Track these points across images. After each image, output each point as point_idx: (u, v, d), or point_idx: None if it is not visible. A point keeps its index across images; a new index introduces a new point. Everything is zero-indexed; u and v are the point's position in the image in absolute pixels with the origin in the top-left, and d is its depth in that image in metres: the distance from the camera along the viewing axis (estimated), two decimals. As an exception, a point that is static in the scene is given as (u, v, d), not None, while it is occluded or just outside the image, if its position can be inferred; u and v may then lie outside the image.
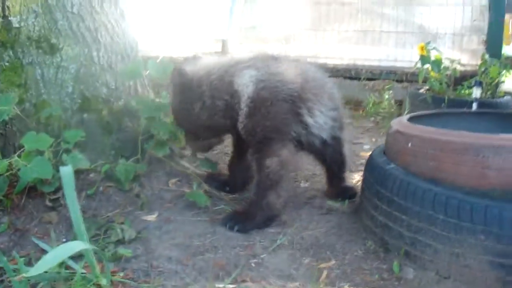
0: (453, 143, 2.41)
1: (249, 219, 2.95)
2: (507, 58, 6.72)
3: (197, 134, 3.26)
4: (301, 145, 3.14)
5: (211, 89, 3.07)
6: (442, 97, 5.35)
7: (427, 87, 5.89)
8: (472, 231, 2.24)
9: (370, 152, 3.14)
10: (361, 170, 3.31)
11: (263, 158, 2.98)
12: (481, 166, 2.33)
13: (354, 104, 6.77)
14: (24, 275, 1.91)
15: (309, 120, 3.06)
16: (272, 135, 2.99)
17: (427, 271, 2.42)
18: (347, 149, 3.42)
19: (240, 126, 3.05)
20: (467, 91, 5.76)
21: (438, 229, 2.34)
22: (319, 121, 3.10)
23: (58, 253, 1.91)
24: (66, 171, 2.17)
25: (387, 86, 6.86)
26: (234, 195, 3.36)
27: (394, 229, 2.52)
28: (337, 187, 3.40)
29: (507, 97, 5.69)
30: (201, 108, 3.10)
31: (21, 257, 2.32)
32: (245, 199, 3.27)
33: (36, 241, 2.54)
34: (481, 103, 5.08)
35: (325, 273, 2.45)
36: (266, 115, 2.98)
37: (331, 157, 3.34)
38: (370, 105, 6.60)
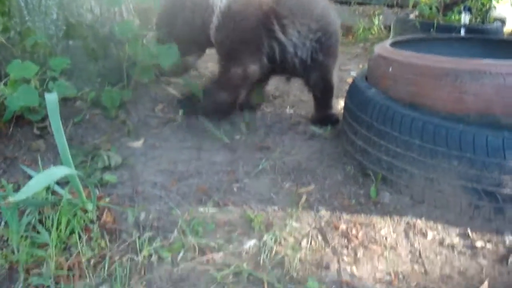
0: (432, 68, 2.43)
1: (197, 107, 3.22)
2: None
3: (181, 48, 3.27)
4: (278, 63, 3.20)
5: (192, 4, 3.14)
6: (431, 23, 5.32)
7: (417, 13, 5.84)
8: (447, 156, 2.29)
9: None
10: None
11: (229, 66, 3.16)
12: (458, 91, 2.35)
13: (344, 30, 6.72)
14: (10, 199, 1.95)
15: (281, 37, 3.11)
16: (240, 47, 3.11)
17: (403, 196, 2.50)
18: (335, 77, 3.43)
19: (212, 39, 3.18)
20: (457, 17, 5.73)
21: (415, 154, 2.38)
22: (294, 40, 3.13)
23: (43, 177, 1.95)
24: (51, 98, 2.18)
25: (377, 11, 6.79)
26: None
27: (372, 154, 2.58)
28: (321, 113, 3.44)
29: (497, 23, 5.66)
30: (184, 23, 3.13)
31: (8, 184, 2.37)
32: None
33: (24, 169, 2.57)
34: (470, 29, 5.05)
35: (304, 197, 2.51)
36: (235, 28, 3.10)
37: (315, 82, 3.36)
38: (360, 31, 6.56)
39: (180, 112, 3.22)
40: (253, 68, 3.14)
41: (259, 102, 3.63)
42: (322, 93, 3.44)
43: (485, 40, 3.66)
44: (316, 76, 3.33)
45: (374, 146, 2.56)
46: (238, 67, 3.13)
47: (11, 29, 3.06)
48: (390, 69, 2.61)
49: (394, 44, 2.95)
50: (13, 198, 1.95)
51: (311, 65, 3.25)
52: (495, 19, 5.95)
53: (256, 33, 3.10)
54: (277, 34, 3.10)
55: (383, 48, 2.82)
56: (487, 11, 5.91)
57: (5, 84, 2.77)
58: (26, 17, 3.09)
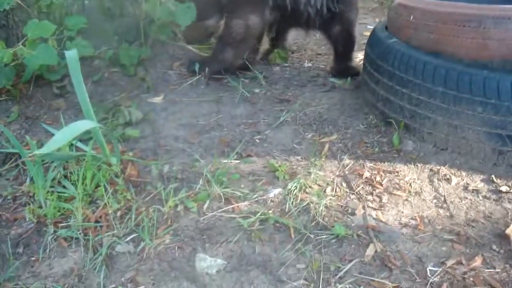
0: (454, 14, 2.39)
1: (205, 65, 3.20)
2: None
3: (198, 12, 3.23)
4: (289, 13, 3.17)
5: None
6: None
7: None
8: (470, 103, 2.28)
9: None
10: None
11: (230, 19, 3.15)
12: (482, 37, 2.32)
13: (360, -16, 6.62)
14: (36, 152, 1.97)
15: None
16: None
17: (426, 143, 2.49)
18: (355, 30, 3.40)
19: None
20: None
21: (438, 102, 2.37)
22: None
23: (68, 131, 1.96)
24: (72, 55, 2.17)
25: (393, -36, 6.65)
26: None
27: (394, 103, 2.56)
28: (341, 65, 3.41)
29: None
30: None
31: (32, 142, 2.39)
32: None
33: (46, 127, 2.61)
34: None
35: (327, 146, 2.52)
36: None
37: (336, 35, 3.35)
38: (375, -16, 6.45)
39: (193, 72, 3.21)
40: (254, 20, 3.13)
41: (280, 62, 3.60)
42: (345, 46, 3.41)
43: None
44: (338, 29, 3.31)
45: (396, 94, 2.54)
46: (239, 19, 3.12)
47: (26, -11, 3.05)
48: (411, 17, 2.58)
49: (414, -8, 2.91)
50: (38, 152, 1.97)
51: (330, 16, 3.20)
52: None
53: None
54: None
55: (404, -4, 2.78)
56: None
57: (23, 45, 2.76)
58: (40, -22, 3.06)
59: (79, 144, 2.36)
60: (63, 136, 1.93)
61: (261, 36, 3.47)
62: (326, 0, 3.16)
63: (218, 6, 3.22)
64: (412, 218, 2.06)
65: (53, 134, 2.51)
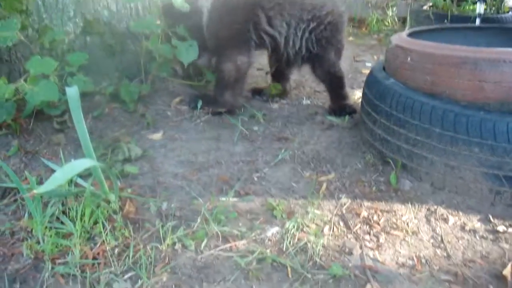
0: (450, 57, 2.43)
1: (206, 104, 3.30)
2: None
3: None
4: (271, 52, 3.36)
5: (192, 8, 3.19)
6: (445, 13, 5.32)
7: (430, 4, 5.83)
8: (467, 144, 2.30)
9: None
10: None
11: (220, 63, 3.26)
12: (478, 80, 2.36)
13: (358, 22, 6.72)
14: (35, 191, 1.97)
15: (268, 29, 3.18)
16: (227, 42, 3.21)
17: (423, 183, 2.51)
18: (343, 67, 3.45)
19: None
20: (471, 7, 5.72)
21: (435, 142, 2.40)
22: (283, 31, 3.20)
23: (68, 170, 1.97)
24: (72, 92, 2.19)
25: (390, 3, 6.77)
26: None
27: (392, 143, 2.59)
28: (336, 103, 3.46)
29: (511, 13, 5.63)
30: (191, 25, 3.23)
31: (32, 177, 2.40)
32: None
33: (46, 162, 2.61)
34: (485, 19, 5.04)
35: (324, 185, 2.53)
36: (220, 25, 3.20)
37: (320, 75, 3.44)
38: (374, 23, 6.55)
39: (195, 108, 3.27)
40: (242, 60, 3.24)
41: (275, 93, 3.65)
42: (331, 86, 3.49)
43: (501, 29, 3.65)
44: (320, 70, 3.39)
45: (393, 134, 2.57)
46: (228, 62, 3.23)
47: (29, 26, 3.10)
48: (409, 59, 2.62)
49: (411, 35, 2.96)
50: (38, 190, 1.97)
51: (309, 56, 3.31)
52: (510, 8, 5.93)
53: (243, 27, 3.17)
54: (264, 26, 3.17)
55: (401, 38, 2.83)
56: (502, 0, 5.89)
57: (25, 80, 2.79)
58: (43, 15, 3.12)
59: (79, 180, 2.37)
60: (63, 174, 1.94)
61: None
62: (305, 41, 3.23)
63: (205, 46, 3.29)
64: (409, 258, 2.06)
65: (52, 169, 2.52)
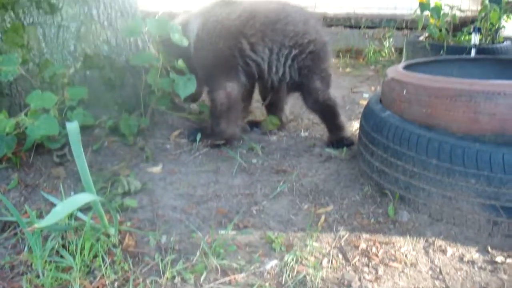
0: (445, 89, 2.47)
1: (205, 136, 3.33)
2: (508, 2, 6.68)
3: None
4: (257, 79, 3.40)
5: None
6: (441, 44, 5.36)
7: (426, 34, 5.88)
8: (464, 175, 2.32)
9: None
10: (361, 118, 3.35)
11: (211, 92, 3.33)
12: (473, 112, 2.39)
13: (355, 53, 6.79)
14: (36, 225, 1.98)
15: (252, 55, 3.24)
16: (215, 70, 3.29)
17: (421, 214, 2.52)
18: (333, 97, 3.48)
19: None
20: (466, 37, 5.77)
21: (432, 174, 2.42)
22: (265, 57, 3.26)
23: (68, 204, 1.99)
24: (72, 127, 2.22)
25: (387, 34, 6.85)
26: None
27: (389, 174, 2.61)
28: (334, 135, 3.49)
29: (507, 43, 5.69)
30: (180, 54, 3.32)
31: (32, 211, 2.41)
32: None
33: (46, 196, 2.62)
34: (480, 49, 5.09)
35: (323, 217, 2.54)
36: (206, 54, 3.30)
37: (309, 104, 3.48)
38: (371, 54, 6.62)
39: (194, 141, 3.32)
40: (232, 86, 3.30)
41: (272, 128, 3.68)
42: (323, 115, 3.52)
43: (496, 60, 3.69)
44: (309, 98, 3.43)
45: (391, 166, 2.59)
46: (218, 90, 3.30)
47: (30, 61, 3.15)
48: (405, 92, 2.65)
49: (407, 67, 3.00)
50: (39, 225, 1.98)
51: (294, 84, 3.38)
52: (505, 38, 5.99)
53: (228, 54, 3.25)
54: (248, 52, 3.24)
55: (397, 71, 2.86)
56: (497, 30, 5.95)
57: (25, 114, 2.82)
58: (44, 49, 3.17)
59: (79, 214, 2.39)
60: (63, 208, 1.95)
61: (248, 99, 3.73)
62: (288, 68, 3.29)
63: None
64: (408, 291, 2.07)
65: (52, 203, 2.54)
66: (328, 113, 3.48)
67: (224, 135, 3.35)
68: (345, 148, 3.31)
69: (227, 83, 3.29)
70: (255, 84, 3.74)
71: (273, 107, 3.75)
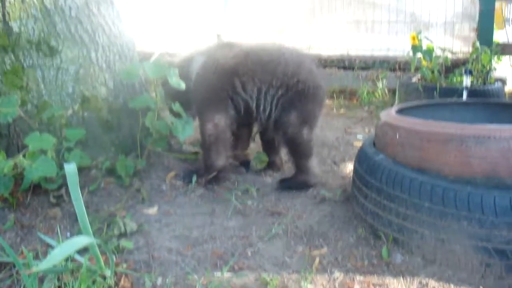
0: (437, 133, 2.52)
1: (199, 175, 3.41)
2: (498, 45, 6.81)
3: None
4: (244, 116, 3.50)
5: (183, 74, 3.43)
6: (434, 85, 5.44)
7: (419, 76, 5.97)
8: (456, 217, 2.36)
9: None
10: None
11: (201, 125, 3.44)
12: (464, 155, 2.43)
13: (349, 94, 6.87)
14: (34, 269, 2.00)
15: (241, 92, 3.38)
16: (207, 105, 3.43)
17: (414, 256, 2.54)
18: (306, 138, 3.49)
19: None
20: (458, 79, 5.85)
21: (424, 216, 2.45)
22: (254, 96, 3.39)
23: (65, 247, 2.01)
24: (71, 169, 2.25)
25: (380, 76, 6.94)
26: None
27: (383, 217, 2.64)
28: (295, 176, 3.57)
29: (498, 84, 5.77)
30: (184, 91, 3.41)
31: (28, 252, 2.42)
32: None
33: (42, 237, 2.63)
34: (472, 91, 5.15)
35: (317, 260, 2.56)
36: (200, 89, 3.43)
37: (279, 137, 3.57)
38: (364, 95, 6.70)
39: (190, 183, 3.37)
40: (219, 117, 3.40)
41: (260, 166, 3.77)
42: (288, 151, 3.56)
43: (487, 103, 3.75)
44: (279, 130, 3.49)
45: (384, 209, 2.62)
46: (207, 122, 3.40)
47: (29, 102, 3.19)
48: (397, 136, 2.70)
49: (399, 111, 3.05)
50: (36, 268, 2.00)
51: (276, 122, 3.46)
52: (496, 80, 6.08)
53: (220, 90, 3.38)
54: (239, 90, 3.37)
55: (389, 115, 2.92)
56: (488, 72, 6.04)
57: (23, 156, 2.85)
58: (43, 91, 3.21)
59: (76, 256, 2.39)
60: (61, 251, 1.98)
61: (246, 139, 3.82)
62: (275, 107, 3.42)
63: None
64: (402, 334, 2.08)
65: (48, 244, 2.55)
66: (294, 150, 3.51)
67: (215, 167, 3.41)
68: (339, 190, 3.34)
69: (215, 115, 3.38)
70: (252, 125, 3.81)
71: (269, 149, 3.81)
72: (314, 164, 3.56)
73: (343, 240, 2.75)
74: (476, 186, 2.38)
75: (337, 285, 2.37)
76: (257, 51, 3.47)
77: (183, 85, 3.27)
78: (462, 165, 2.45)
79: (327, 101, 6.73)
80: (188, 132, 3.22)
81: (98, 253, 2.27)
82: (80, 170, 3.06)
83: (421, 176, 2.51)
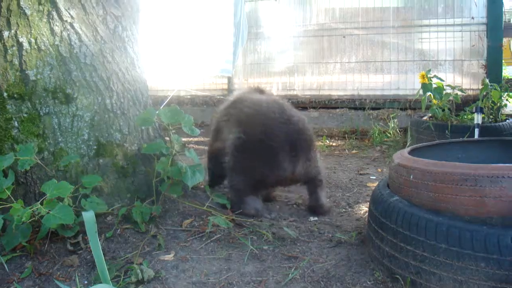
0: (451, 174, 2.52)
1: None
2: (508, 81, 6.85)
3: None
4: None
5: None
6: (445, 124, 5.46)
7: (430, 114, 6.00)
8: (473, 258, 2.34)
9: (377, 183, 3.25)
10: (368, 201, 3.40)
11: None
12: (479, 195, 2.43)
13: (360, 134, 6.90)
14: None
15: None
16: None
17: (433, 299, 2.52)
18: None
19: None
20: (469, 116, 5.88)
21: (442, 258, 2.44)
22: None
23: (85, 296, 2.03)
24: (89, 216, 2.29)
25: (391, 115, 6.98)
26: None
27: (400, 259, 2.63)
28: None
29: (509, 120, 5.78)
30: None
31: (47, 301, 2.45)
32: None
33: (60, 284, 2.64)
34: (484, 128, 5.17)
35: (336, 304, 2.55)
36: None
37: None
38: (376, 134, 6.73)
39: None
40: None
41: None
42: None
43: (499, 141, 3.76)
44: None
45: (401, 251, 2.62)
46: None
47: (45, 149, 3.24)
48: (411, 177, 2.72)
49: (412, 152, 3.07)
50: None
51: None
52: (507, 116, 6.10)
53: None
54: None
55: (402, 157, 2.93)
56: (498, 109, 6.07)
57: (41, 203, 2.89)
58: (59, 138, 3.26)
59: (93, 304, 2.41)
60: (80, 301, 2.00)
61: None
62: None
63: None
64: None
65: (65, 292, 2.57)
66: None
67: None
68: (354, 233, 3.34)
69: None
70: None
71: None
72: None
73: (360, 283, 2.74)
74: (492, 226, 2.38)
75: (356, 330, 2.35)
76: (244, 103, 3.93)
77: (197, 131, 3.32)
78: (477, 205, 2.45)
79: (339, 142, 6.77)
80: (198, 179, 3.25)
81: (117, 301, 2.28)
82: (97, 216, 3.09)
83: (436, 217, 2.51)
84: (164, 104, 5.69)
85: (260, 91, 4.19)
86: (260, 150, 3.56)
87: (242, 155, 3.65)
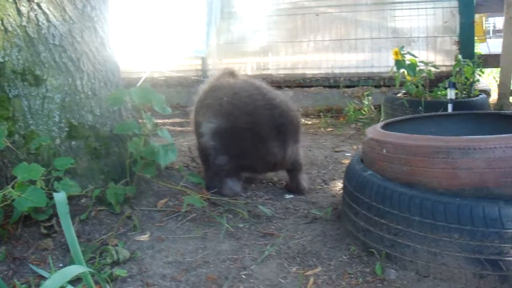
0: (423, 147, 2.54)
1: None
2: (480, 57, 6.91)
3: None
4: None
5: None
6: (419, 100, 5.49)
7: (404, 91, 6.02)
8: (447, 230, 2.37)
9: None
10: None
11: None
12: (451, 168, 2.46)
13: (335, 112, 6.92)
14: (27, 302, 1.99)
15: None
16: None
17: (408, 271, 2.54)
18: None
19: None
20: (443, 92, 5.91)
21: (415, 230, 2.46)
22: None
23: (58, 277, 1.99)
24: (60, 198, 2.24)
25: (366, 92, 7.00)
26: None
27: (374, 233, 2.65)
28: None
29: (481, 96, 5.83)
30: None
31: (21, 284, 2.42)
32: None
33: (35, 268, 2.61)
34: (457, 103, 5.21)
35: (311, 279, 2.55)
36: None
37: None
38: (351, 112, 6.76)
39: None
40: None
41: None
42: None
43: (471, 114, 3.79)
44: None
45: (375, 225, 2.63)
46: None
47: (15, 133, 3.18)
48: (384, 151, 2.73)
49: (385, 126, 3.08)
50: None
51: None
52: (480, 91, 6.16)
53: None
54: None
55: (375, 131, 2.94)
56: (471, 84, 6.11)
57: (12, 187, 2.84)
58: (29, 121, 3.20)
59: (68, 287, 2.38)
60: (53, 283, 1.95)
61: None
62: None
63: None
64: None
65: (40, 275, 2.54)
66: None
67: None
68: (330, 209, 3.35)
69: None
70: None
71: None
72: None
73: (336, 258, 2.76)
74: (464, 197, 2.40)
75: (332, 304, 2.37)
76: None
77: (168, 110, 3.28)
78: (449, 177, 2.47)
79: (314, 120, 6.78)
80: (170, 158, 3.21)
81: (92, 282, 2.24)
82: (70, 199, 3.05)
83: (409, 191, 2.52)
84: (138, 85, 5.65)
85: (232, 74, 4.09)
86: (247, 140, 3.52)
87: (228, 140, 3.58)
